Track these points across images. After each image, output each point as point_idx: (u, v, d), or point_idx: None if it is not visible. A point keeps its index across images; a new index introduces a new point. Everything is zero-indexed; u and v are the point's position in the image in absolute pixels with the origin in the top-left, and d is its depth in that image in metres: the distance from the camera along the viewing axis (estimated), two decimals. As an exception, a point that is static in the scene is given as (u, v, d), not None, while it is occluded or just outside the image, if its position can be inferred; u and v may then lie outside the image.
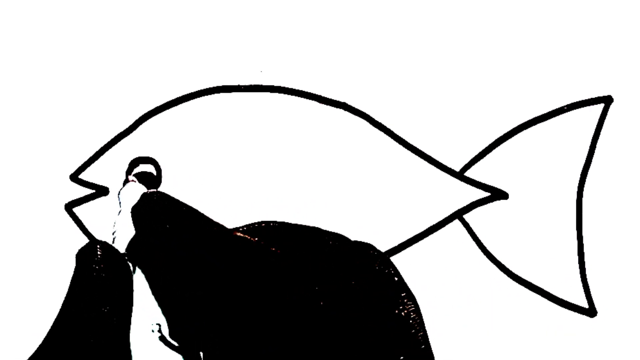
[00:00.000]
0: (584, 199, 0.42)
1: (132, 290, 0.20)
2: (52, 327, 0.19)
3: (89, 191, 0.41)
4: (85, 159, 0.42)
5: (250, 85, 0.42)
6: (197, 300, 0.19)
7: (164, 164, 0.42)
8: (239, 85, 0.42)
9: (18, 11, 0.43)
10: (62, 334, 0.18)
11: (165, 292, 0.20)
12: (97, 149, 0.42)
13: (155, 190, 0.21)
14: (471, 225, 0.42)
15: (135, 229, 0.22)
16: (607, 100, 0.43)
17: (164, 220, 0.22)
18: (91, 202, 0.41)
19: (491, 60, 0.43)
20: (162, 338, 0.19)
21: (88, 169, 0.41)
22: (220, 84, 0.42)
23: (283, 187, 0.41)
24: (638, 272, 0.42)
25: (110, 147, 0.42)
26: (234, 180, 0.41)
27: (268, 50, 0.43)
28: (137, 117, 0.42)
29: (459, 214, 0.42)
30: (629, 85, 0.43)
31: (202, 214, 0.22)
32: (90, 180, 0.41)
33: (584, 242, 0.42)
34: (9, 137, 0.42)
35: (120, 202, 0.21)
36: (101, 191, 0.41)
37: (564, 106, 0.43)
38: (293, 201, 0.41)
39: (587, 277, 0.42)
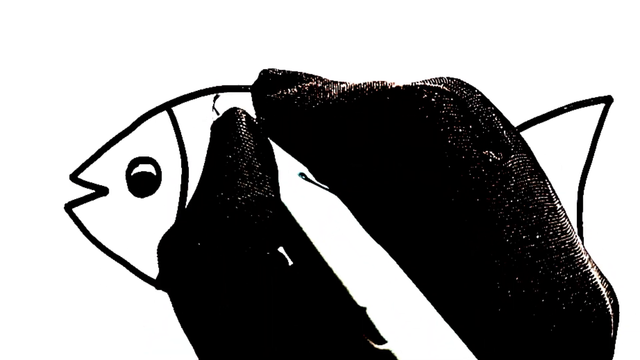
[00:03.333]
0: (584, 199, 0.42)
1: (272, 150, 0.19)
2: (195, 198, 0.18)
3: (88, 191, 0.41)
4: (85, 159, 0.42)
5: (251, 86, 0.42)
6: (335, 146, 0.19)
7: (163, 164, 0.42)
8: (239, 85, 0.42)
9: (18, 11, 0.43)
10: (211, 199, 0.17)
11: (302, 146, 0.20)
12: (97, 149, 0.42)
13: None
14: (471, 225, 0.42)
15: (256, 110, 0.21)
16: (608, 100, 0.43)
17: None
18: (91, 202, 0.41)
19: (491, 60, 0.43)
20: (312, 182, 0.19)
21: (88, 169, 0.41)
22: (220, 84, 0.42)
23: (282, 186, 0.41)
24: (638, 272, 0.42)
25: (110, 147, 0.42)
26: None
27: (268, 50, 0.43)
28: (137, 117, 0.42)
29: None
30: (629, 85, 0.43)
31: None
32: (90, 180, 0.41)
33: (585, 242, 0.42)
34: (9, 137, 0.42)
35: (217, 111, 0.21)
36: (101, 191, 0.41)
37: (564, 106, 0.43)
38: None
39: (588, 277, 0.42)
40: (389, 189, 0.18)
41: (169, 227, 0.18)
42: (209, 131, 0.19)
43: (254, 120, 0.19)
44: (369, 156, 0.19)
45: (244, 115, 0.19)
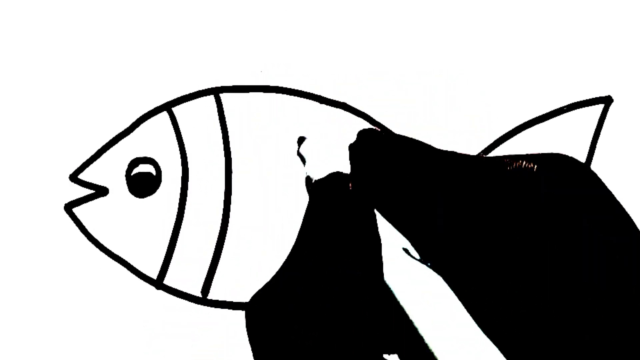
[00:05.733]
0: (583, 200, 0.42)
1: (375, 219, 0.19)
2: (290, 258, 0.18)
3: (88, 191, 0.41)
4: (85, 159, 0.42)
5: (251, 86, 0.42)
6: (440, 221, 0.19)
7: (164, 165, 0.42)
8: (239, 85, 0.42)
9: (18, 11, 0.43)
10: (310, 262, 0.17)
11: (407, 219, 0.19)
12: (97, 149, 0.42)
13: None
14: (471, 225, 0.42)
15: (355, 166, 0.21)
16: (607, 101, 0.43)
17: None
18: (90, 203, 0.41)
19: (491, 60, 0.43)
20: (415, 259, 0.18)
21: (87, 169, 0.41)
22: (220, 84, 0.42)
23: (282, 187, 0.41)
24: (638, 272, 0.42)
25: (110, 147, 0.42)
26: (233, 181, 0.41)
27: (268, 50, 0.43)
28: (137, 117, 0.42)
29: (458, 215, 0.42)
30: (629, 86, 0.43)
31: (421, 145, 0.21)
32: (90, 181, 0.41)
33: (584, 242, 0.42)
34: (9, 137, 0.42)
35: (304, 158, 0.21)
36: (101, 192, 0.41)
37: (564, 107, 0.43)
38: (292, 202, 0.41)
39: (587, 277, 0.42)
40: (494, 267, 0.18)
41: (263, 284, 0.18)
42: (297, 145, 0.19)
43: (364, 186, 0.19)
44: (475, 231, 0.18)
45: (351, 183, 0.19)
